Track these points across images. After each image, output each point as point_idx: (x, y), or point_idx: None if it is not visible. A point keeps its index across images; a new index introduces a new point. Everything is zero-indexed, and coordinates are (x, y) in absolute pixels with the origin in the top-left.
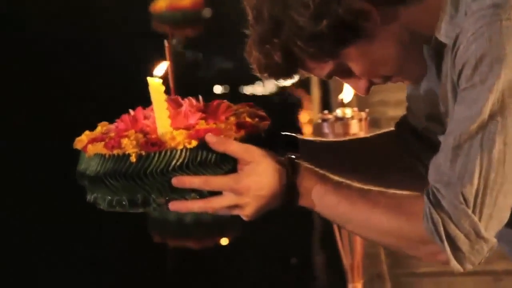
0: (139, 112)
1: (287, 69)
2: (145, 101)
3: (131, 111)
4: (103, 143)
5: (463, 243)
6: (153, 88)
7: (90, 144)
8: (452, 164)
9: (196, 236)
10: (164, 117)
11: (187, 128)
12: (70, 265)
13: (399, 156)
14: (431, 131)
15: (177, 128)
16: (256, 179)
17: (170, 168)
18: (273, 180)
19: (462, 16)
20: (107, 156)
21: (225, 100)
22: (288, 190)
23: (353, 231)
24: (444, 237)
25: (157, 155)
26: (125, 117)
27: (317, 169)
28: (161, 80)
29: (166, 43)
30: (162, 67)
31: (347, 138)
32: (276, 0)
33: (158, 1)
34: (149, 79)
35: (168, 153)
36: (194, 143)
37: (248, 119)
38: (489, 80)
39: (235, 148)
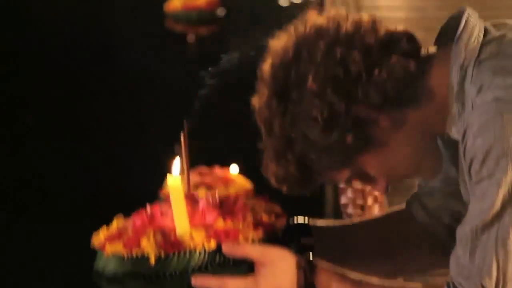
0: (156, 208)
1: (305, 181)
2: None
3: (148, 207)
4: (121, 242)
5: None
6: (172, 187)
7: (108, 242)
8: (471, 257)
9: None
10: (183, 216)
11: (205, 226)
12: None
13: (413, 232)
14: (443, 209)
15: (195, 227)
16: (274, 282)
17: (189, 269)
18: (291, 283)
19: (469, 111)
20: (125, 256)
21: (241, 196)
22: None
23: None
24: None
25: (176, 256)
26: (141, 213)
27: (335, 267)
28: (180, 179)
29: (182, 136)
30: (178, 165)
31: (359, 220)
32: (286, 116)
33: (172, 0)
34: (168, 177)
35: (188, 254)
36: (212, 244)
37: (265, 217)
38: (497, 175)
39: (252, 251)
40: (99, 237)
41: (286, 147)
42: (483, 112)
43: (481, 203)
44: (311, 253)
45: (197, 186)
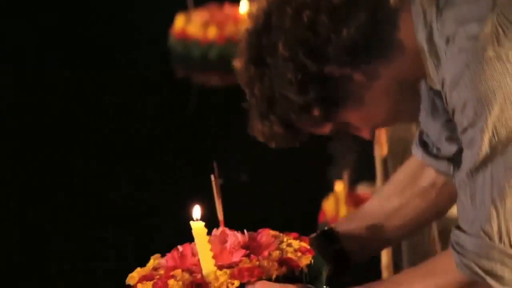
0: (187, 248)
1: (291, 137)
2: None
3: (179, 247)
4: (151, 283)
5: (501, 271)
6: (196, 231)
7: (140, 283)
8: (472, 201)
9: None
10: (208, 258)
11: (231, 265)
12: None
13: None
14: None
15: (221, 267)
16: None
17: None
18: None
19: (444, 61)
20: None
21: (270, 230)
22: None
23: None
24: (483, 274)
25: None
26: (174, 253)
27: None
28: (203, 224)
29: (212, 178)
30: (198, 210)
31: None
32: (264, 80)
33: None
34: (192, 223)
35: None
36: (236, 284)
37: (290, 255)
38: (478, 123)
39: None
40: (134, 277)
41: (267, 109)
42: (452, 65)
43: (471, 149)
44: None
45: (207, 24)
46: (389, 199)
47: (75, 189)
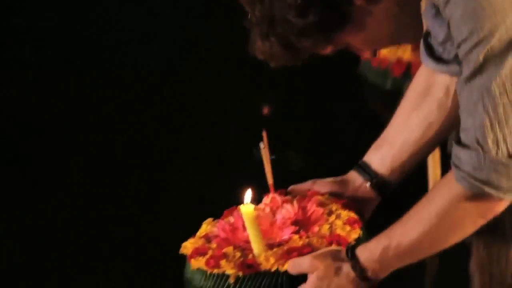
0: (238, 220)
1: (292, 57)
2: None
3: (231, 218)
4: (204, 259)
5: (497, 180)
6: (245, 215)
7: (193, 258)
8: (469, 113)
9: None
10: (258, 239)
11: (281, 243)
12: None
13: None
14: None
15: (271, 246)
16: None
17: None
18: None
19: None
20: (208, 273)
21: (318, 197)
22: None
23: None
24: (480, 184)
25: (252, 277)
26: (225, 225)
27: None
28: (252, 206)
29: (261, 145)
30: (249, 195)
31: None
32: (265, 1)
33: None
34: (241, 206)
35: (263, 275)
36: (286, 265)
37: (339, 231)
38: (473, 35)
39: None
40: (187, 248)
41: (268, 29)
42: None
43: (467, 63)
44: None
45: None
46: (409, 118)
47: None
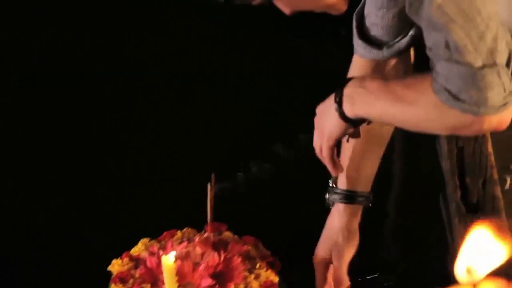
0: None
1: None
2: None
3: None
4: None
5: (472, 87)
6: (165, 266)
7: (115, 283)
8: (434, 28)
9: None
10: None
11: None
12: None
13: None
14: None
15: None
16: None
17: None
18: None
19: None
20: None
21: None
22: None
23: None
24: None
25: None
26: (152, 259)
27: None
28: (173, 262)
29: (209, 186)
30: (172, 255)
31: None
32: None
33: None
34: (163, 258)
35: None
36: None
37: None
38: None
39: None
40: (114, 268)
41: None
42: None
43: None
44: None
45: None
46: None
47: None
